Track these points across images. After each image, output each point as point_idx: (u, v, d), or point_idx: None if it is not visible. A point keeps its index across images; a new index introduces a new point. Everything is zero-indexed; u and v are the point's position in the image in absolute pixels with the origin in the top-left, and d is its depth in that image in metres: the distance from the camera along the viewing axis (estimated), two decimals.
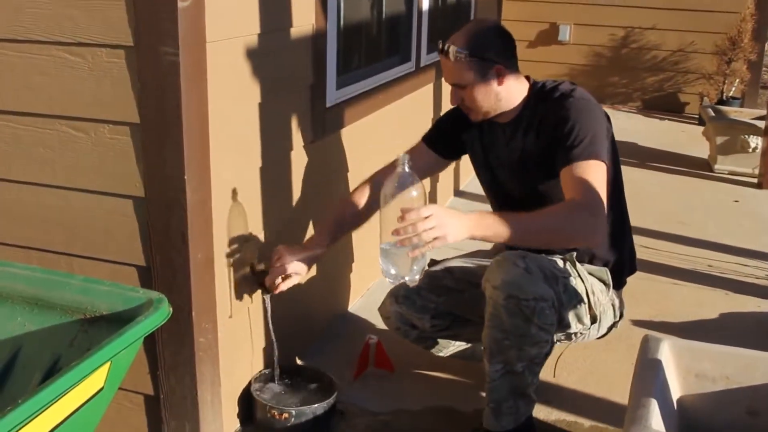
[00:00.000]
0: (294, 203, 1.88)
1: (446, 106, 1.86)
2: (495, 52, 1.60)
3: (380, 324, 2.00)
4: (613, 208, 1.67)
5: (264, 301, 1.68)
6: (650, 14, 5.16)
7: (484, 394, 1.62)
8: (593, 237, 1.52)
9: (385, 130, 2.45)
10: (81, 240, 1.52)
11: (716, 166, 3.90)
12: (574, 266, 1.66)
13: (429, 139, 1.84)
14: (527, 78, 1.71)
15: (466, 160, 1.90)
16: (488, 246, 1.90)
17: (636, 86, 5.39)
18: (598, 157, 1.53)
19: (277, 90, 1.72)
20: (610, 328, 1.78)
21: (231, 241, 1.59)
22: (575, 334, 1.71)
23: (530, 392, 1.59)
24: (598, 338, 1.79)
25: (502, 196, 1.80)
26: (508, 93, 1.64)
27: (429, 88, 2.98)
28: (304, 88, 1.87)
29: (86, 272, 1.48)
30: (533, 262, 1.52)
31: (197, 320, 1.48)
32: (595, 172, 1.52)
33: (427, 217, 1.31)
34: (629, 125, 4.77)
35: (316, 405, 1.65)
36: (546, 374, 1.83)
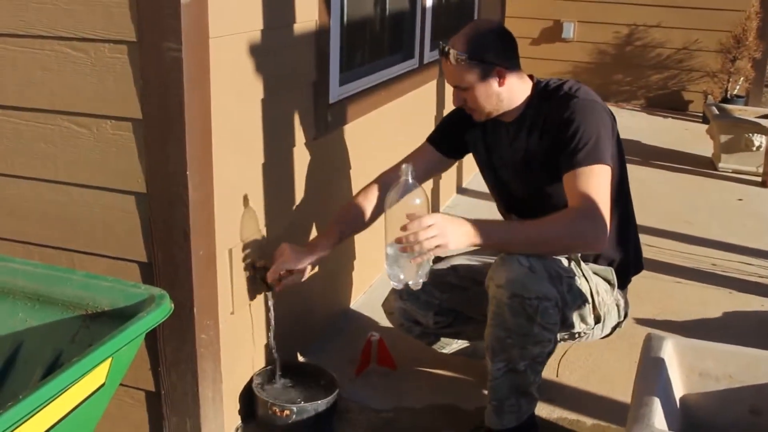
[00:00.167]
0: (296, 200, 1.88)
1: (449, 103, 1.85)
2: (495, 53, 1.60)
3: (382, 321, 2.00)
4: (619, 207, 1.67)
5: (266, 297, 1.68)
6: (655, 12, 5.13)
7: (486, 392, 1.62)
8: (594, 245, 1.54)
9: (387, 127, 2.45)
10: (82, 236, 1.51)
11: (720, 165, 3.89)
12: (579, 266, 1.66)
13: (433, 138, 1.86)
14: (531, 77, 1.71)
15: (468, 158, 1.90)
16: None
17: (640, 84, 5.37)
18: (601, 161, 1.53)
19: (280, 86, 1.71)
20: (614, 329, 1.77)
21: (233, 238, 1.59)
22: (579, 333, 1.71)
23: (532, 391, 1.59)
24: (602, 338, 1.79)
25: (507, 196, 1.80)
26: (510, 93, 1.64)
27: (432, 85, 2.98)
28: (306, 85, 1.86)
29: (88, 268, 1.48)
30: (537, 261, 1.52)
31: (199, 317, 1.48)
32: (598, 178, 1.52)
33: (429, 226, 1.37)
34: (633, 123, 4.75)
35: (317, 402, 1.65)
36: (548, 373, 1.83)
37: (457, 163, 3.02)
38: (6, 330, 1.35)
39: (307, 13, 1.80)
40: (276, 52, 1.68)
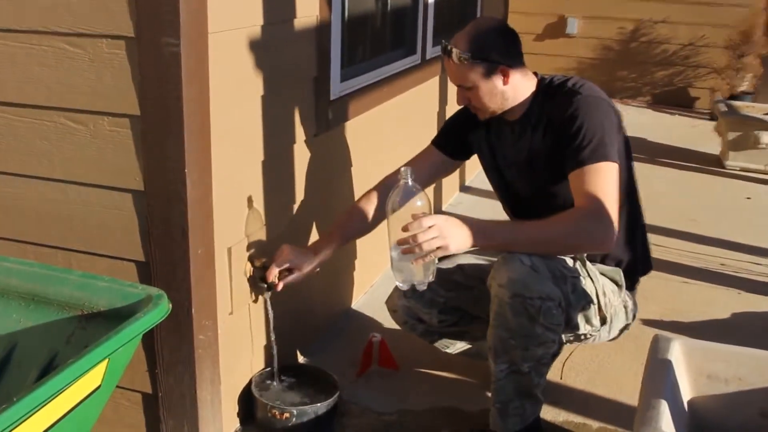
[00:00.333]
0: (296, 198, 1.86)
1: (451, 99, 1.84)
2: (498, 51, 1.59)
3: (384, 321, 1.98)
4: (626, 206, 1.65)
5: (265, 297, 1.67)
6: (661, 7, 5.10)
7: (489, 394, 1.60)
8: (601, 245, 1.52)
9: (389, 123, 2.44)
10: (79, 234, 1.50)
11: (728, 163, 3.86)
12: (585, 266, 1.64)
13: (437, 140, 1.86)
14: (535, 74, 1.69)
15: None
16: None
17: (645, 80, 5.34)
18: (607, 158, 1.51)
19: (280, 82, 1.70)
20: (621, 331, 1.75)
21: (232, 236, 1.57)
22: (584, 335, 1.69)
23: (537, 393, 1.57)
24: (610, 340, 1.76)
25: (511, 196, 1.79)
26: (515, 91, 1.63)
27: (434, 81, 2.96)
28: (307, 81, 1.85)
29: (84, 267, 1.46)
30: (540, 261, 1.50)
31: (197, 317, 1.46)
32: (604, 176, 1.50)
33: (429, 227, 1.37)
34: (638, 120, 4.73)
35: (317, 404, 1.64)
36: (553, 375, 1.81)
37: None
38: (0, 331, 1.33)
39: (307, 8, 1.79)
40: (276, 47, 1.66)
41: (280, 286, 1.63)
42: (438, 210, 3.02)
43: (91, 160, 1.44)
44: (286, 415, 1.61)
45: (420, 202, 1.43)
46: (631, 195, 1.70)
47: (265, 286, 1.63)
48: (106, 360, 1.13)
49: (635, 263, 1.74)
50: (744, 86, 4.86)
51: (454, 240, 1.40)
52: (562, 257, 1.59)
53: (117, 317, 1.23)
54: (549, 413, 1.76)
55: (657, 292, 2.36)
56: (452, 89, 1.70)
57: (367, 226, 1.76)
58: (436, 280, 1.66)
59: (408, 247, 1.39)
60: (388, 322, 1.94)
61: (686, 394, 1.33)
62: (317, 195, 1.94)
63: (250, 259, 1.64)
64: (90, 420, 1.21)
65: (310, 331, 2.04)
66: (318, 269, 1.71)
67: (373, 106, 2.26)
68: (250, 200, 1.63)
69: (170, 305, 1.26)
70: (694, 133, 4.58)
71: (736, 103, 4.25)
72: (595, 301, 1.62)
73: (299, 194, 1.87)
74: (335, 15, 1.95)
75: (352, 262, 2.26)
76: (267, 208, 1.70)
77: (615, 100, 1.68)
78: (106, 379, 1.18)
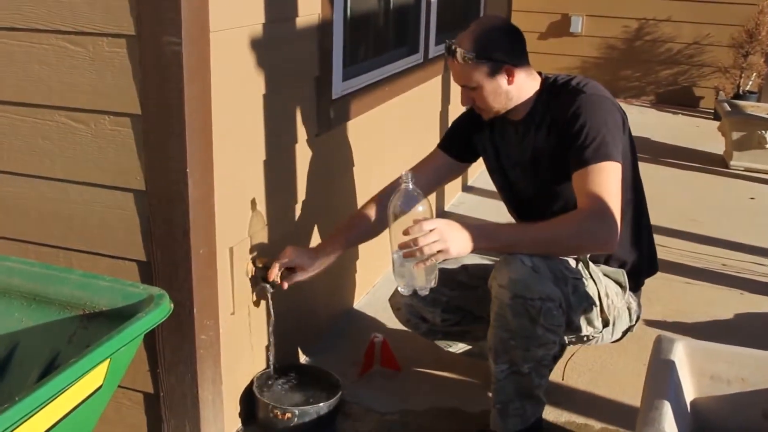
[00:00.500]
0: (298, 198, 1.86)
1: (454, 99, 1.83)
2: (503, 51, 1.59)
3: (386, 322, 1.98)
4: (631, 207, 1.65)
5: (267, 297, 1.66)
6: (665, 5, 5.08)
7: (491, 395, 1.59)
8: (604, 246, 1.51)
9: (391, 123, 2.43)
10: (80, 234, 1.49)
11: (732, 162, 3.84)
12: (587, 267, 1.63)
13: (443, 143, 1.86)
14: (539, 73, 1.68)
15: None
16: None
17: (649, 80, 5.31)
18: (610, 158, 1.50)
19: (282, 81, 1.69)
20: (625, 333, 1.74)
21: (234, 236, 1.57)
22: (587, 337, 1.68)
23: (538, 394, 1.56)
24: (613, 342, 1.76)
25: (515, 196, 1.79)
26: (519, 90, 1.62)
27: (437, 80, 2.95)
28: (309, 80, 1.84)
29: (85, 267, 1.46)
30: (541, 261, 1.49)
31: (198, 317, 1.46)
32: (608, 176, 1.49)
33: (430, 231, 1.37)
34: (642, 120, 4.71)
35: (320, 405, 1.63)
36: (555, 376, 1.80)
37: None
38: (1, 330, 1.33)
39: (309, 7, 1.78)
40: (278, 46, 1.66)
41: (285, 285, 1.62)
42: (440, 210, 3.02)
43: (92, 159, 1.44)
44: (288, 415, 1.60)
45: (421, 206, 1.43)
46: (636, 196, 1.69)
47: (268, 285, 1.63)
48: (108, 360, 1.13)
49: (640, 264, 1.73)
50: (749, 85, 4.83)
51: (455, 244, 1.40)
52: (565, 258, 1.59)
53: (119, 317, 1.23)
54: (551, 414, 1.75)
55: (659, 293, 2.35)
56: (455, 89, 1.69)
57: (371, 232, 1.76)
58: (440, 280, 1.66)
59: (409, 251, 1.38)
60: (390, 323, 1.93)
61: (689, 394, 1.33)
62: (319, 195, 1.93)
63: (253, 259, 1.64)
64: (91, 420, 1.21)
65: (312, 331, 2.04)
66: (320, 267, 1.70)
67: (375, 105, 2.25)
68: (253, 201, 1.62)
69: (172, 305, 1.26)
70: (698, 132, 4.56)
71: (741, 103, 4.23)
72: (598, 302, 1.62)
73: (301, 194, 1.86)
74: (337, 13, 1.95)
75: (354, 263, 2.26)
76: (269, 208, 1.70)
77: (618, 100, 1.67)
78: (108, 379, 1.18)
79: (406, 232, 1.39)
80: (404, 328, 1.88)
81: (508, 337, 1.50)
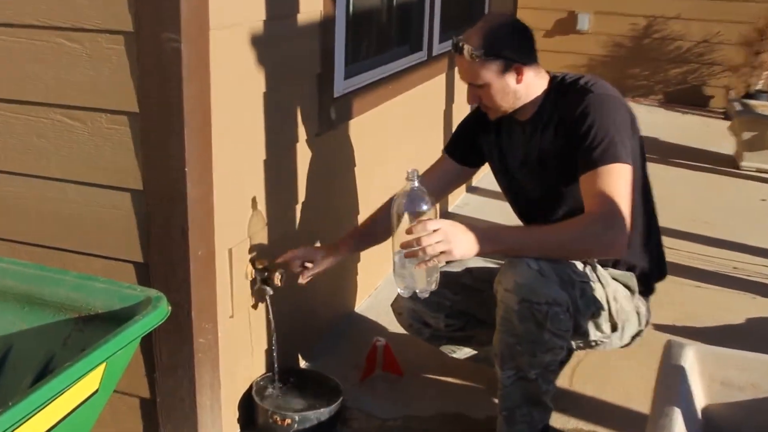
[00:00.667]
0: (299, 198, 1.84)
1: (458, 97, 1.80)
2: (512, 49, 1.56)
3: (388, 325, 1.96)
4: (640, 209, 1.62)
5: (266, 300, 1.64)
6: (674, 3, 5.04)
7: (496, 401, 1.57)
8: (612, 250, 1.49)
9: (394, 121, 2.41)
10: (76, 234, 1.48)
11: (743, 163, 3.81)
12: (595, 270, 1.60)
13: (448, 147, 1.85)
14: (547, 72, 1.66)
15: None
16: None
17: (658, 78, 5.27)
18: (618, 159, 1.48)
19: (283, 79, 1.67)
20: (633, 337, 1.71)
21: (233, 237, 1.55)
22: (595, 342, 1.66)
23: (545, 400, 1.54)
24: (621, 347, 1.73)
25: (521, 198, 1.76)
26: (527, 89, 1.60)
27: (441, 78, 2.93)
28: (310, 78, 1.82)
29: (81, 268, 1.44)
30: (548, 265, 1.47)
31: (197, 320, 1.44)
32: (617, 178, 1.47)
33: (434, 231, 1.34)
34: (651, 119, 4.67)
35: (320, 410, 1.62)
36: (562, 382, 1.78)
37: None
38: None
39: (311, 3, 1.76)
40: (279, 43, 1.64)
41: (303, 280, 1.63)
42: (444, 211, 2.99)
43: (88, 158, 1.42)
44: (288, 421, 1.59)
45: (426, 205, 1.40)
46: (645, 198, 1.66)
47: (267, 288, 1.61)
48: (104, 363, 1.12)
49: (650, 269, 1.70)
50: (760, 84, 4.78)
51: (459, 246, 1.37)
52: (572, 261, 1.55)
53: (115, 320, 1.21)
54: (558, 420, 1.73)
55: (669, 297, 2.31)
56: (459, 87, 1.67)
57: (378, 236, 1.74)
58: (443, 283, 1.63)
59: (411, 251, 1.35)
60: (392, 326, 1.91)
61: (700, 401, 1.30)
62: (320, 195, 1.92)
63: (252, 260, 1.62)
64: (87, 425, 1.20)
65: (313, 334, 2.02)
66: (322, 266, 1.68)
67: (377, 104, 2.24)
68: (253, 201, 1.60)
69: (169, 307, 1.24)
70: (708, 132, 4.53)
71: (752, 102, 4.19)
72: (606, 307, 1.59)
73: (301, 194, 1.84)
74: (339, 10, 1.93)
75: (356, 265, 2.24)
76: (269, 209, 1.68)
77: (626, 99, 1.63)
78: (104, 383, 1.16)
79: (409, 231, 1.36)
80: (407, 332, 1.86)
81: (514, 342, 1.47)
